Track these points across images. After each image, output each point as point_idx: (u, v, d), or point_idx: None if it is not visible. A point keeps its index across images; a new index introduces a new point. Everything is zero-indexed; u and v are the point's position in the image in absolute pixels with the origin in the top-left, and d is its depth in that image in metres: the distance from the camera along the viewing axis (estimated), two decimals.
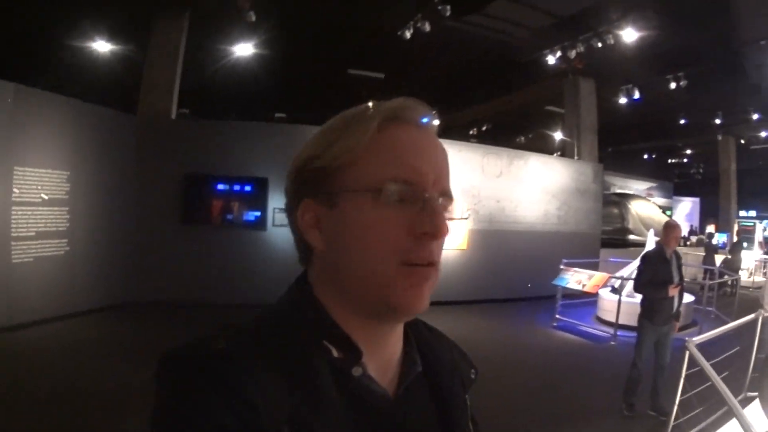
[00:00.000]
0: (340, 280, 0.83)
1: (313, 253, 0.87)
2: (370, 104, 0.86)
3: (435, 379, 0.94)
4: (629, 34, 10.99)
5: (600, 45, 11.40)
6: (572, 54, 11.95)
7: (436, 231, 0.80)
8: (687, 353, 4.14)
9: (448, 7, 9.85)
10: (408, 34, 10.94)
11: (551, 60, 12.53)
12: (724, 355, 5.32)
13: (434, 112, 0.90)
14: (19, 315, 7.80)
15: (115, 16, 11.25)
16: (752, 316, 5.59)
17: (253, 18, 10.08)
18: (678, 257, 5.96)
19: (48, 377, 6.01)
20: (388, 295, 0.80)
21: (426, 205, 0.81)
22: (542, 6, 10.67)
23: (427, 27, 10.61)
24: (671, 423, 4.47)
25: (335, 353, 0.80)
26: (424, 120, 0.87)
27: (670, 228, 5.90)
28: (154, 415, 0.69)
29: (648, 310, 5.78)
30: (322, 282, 0.86)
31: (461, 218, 10.51)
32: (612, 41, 11.21)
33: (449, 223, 0.84)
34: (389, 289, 0.80)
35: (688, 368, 4.26)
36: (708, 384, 3.71)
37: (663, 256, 5.81)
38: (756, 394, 4.39)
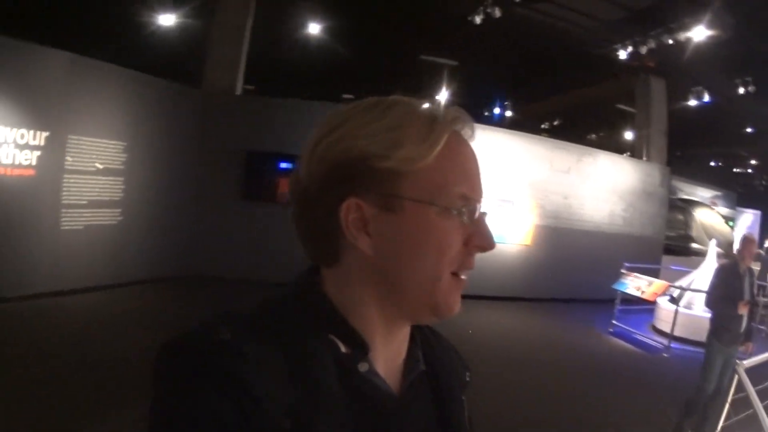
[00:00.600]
0: (390, 284, 0.81)
1: (344, 253, 0.83)
2: (432, 107, 0.84)
3: (436, 378, 0.94)
4: (700, 33, 10.69)
5: (671, 42, 11.16)
6: (643, 50, 11.71)
7: (489, 245, 0.84)
8: (736, 377, 3.97)
9: None
10: (478, 20, 10.74)
11: (622, 55, 12.26)
12: None
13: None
14: (65, 281, 7.95)
15: None
16: None
17: None
18: (752, 274, 5.70)
19: (85, 344, 6.13)
20: (440, 302, 0.82)
21: (480, 220, 0.84)
22: None
23: (498, 13, 10.43)
24: None
25: (342, 348, 0.80)
26: (471, 134, 0.87)
27: (747, 242, 5.69)
28: (153, 408, 0.68)
29: (717, 328, 5.47)
30: (348, 281, 0.83)
31: None
32: (683, 39, 10.96)
33: None
34: (443, 297, 0.82)
35: (735, 392, 4.11)
36: (751, 411, 3.59)
37: (737, 271, 5.56)
38: None
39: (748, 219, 28.62)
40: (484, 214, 0.85)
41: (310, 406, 0.70)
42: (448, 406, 0.93)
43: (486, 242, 0.83)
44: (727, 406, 4.22)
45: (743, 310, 5.39)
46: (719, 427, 4.28)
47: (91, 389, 4.97)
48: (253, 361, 0.68)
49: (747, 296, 5.47)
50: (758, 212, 28.80)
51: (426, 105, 0.84)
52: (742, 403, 3.94)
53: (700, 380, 5.39)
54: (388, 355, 0.86)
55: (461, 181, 0.81)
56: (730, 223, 22.68)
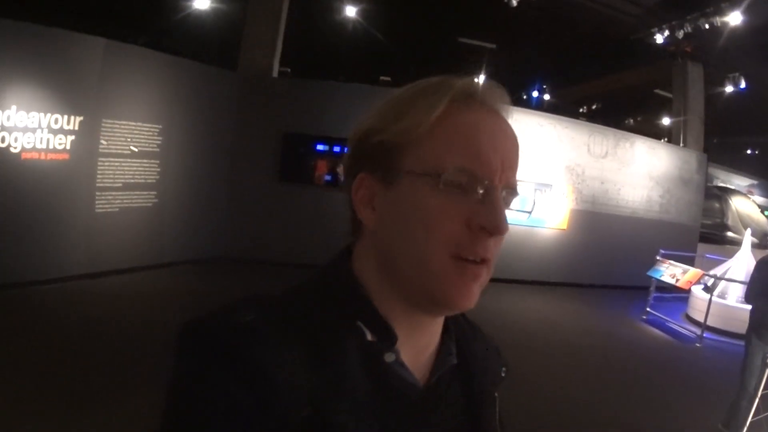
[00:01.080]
0: (388, 263, 0.80)
1: (362, 230, 0.84)
2: (444, 78, 0.80)
3: (468, 373, 0.91)
4: (736, 18, 10.58)
5: (707, 26, 11.05)
6: (680, 34, 11.61)
7: (494, 227, 0.74)
8: (767, 372, 3.81)
9: None
10: (515, 2, 10.66)
11: (659, 39, 12.14)
12: None
13: (509, 99, 0.83)
14: (100, 263, 8.12)
15: None
16: None
17: None
18: None
19: (119, 323, 6.29)
20: (434, 287, 0.76)
21: (486, 197, 0.75)
22: None
23: None
24: None
25: (369, 336, 0.77)
26: (499, 105, 0.80)
27: None
28: (169, 387, 0.67)
29: (757, 324, 5.01)
30: (368, 261, 0.83)
31: (523, 211, 10.45)
32: (719, 24, 10.84)
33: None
34: (437, 281, 0.76)
35: (766, 386, 3.97)
36: None
37: None
38: None
39: None
40: (497, 190, 0.76)
41: (332, 394, 0.69)
42: (478, 403, 0.90)
43: (490, 223, 0.74)
44: (756, 400, 4.10)
45: None
46: (748, 423, 4.19)
47: (126, 365, 5.12)
48: (274, 345, 0.67)
49: None
50: None
51: (452, 80, 0.80)
52: None
53: (740, 380, 4.93)
54: (417, 346, 0.83)
55: (465, 154, 0.75)
56: (767, 213, 22.33)
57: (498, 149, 0.76)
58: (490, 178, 0.75)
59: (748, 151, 27.83)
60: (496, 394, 0.96)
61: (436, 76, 0.82)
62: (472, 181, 0.74)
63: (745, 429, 4.29)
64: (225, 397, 0.63)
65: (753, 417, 4.21)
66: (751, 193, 23.29)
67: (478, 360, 0.94)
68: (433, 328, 0.86)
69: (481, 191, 0.75)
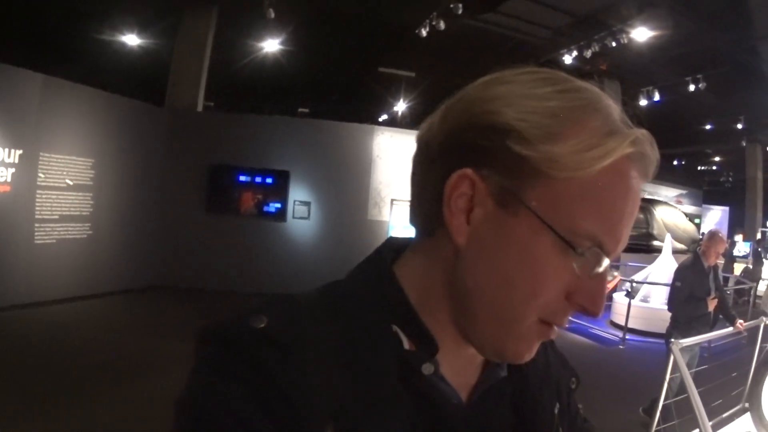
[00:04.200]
0: (460, 294, 0.67)
1: (441, 228, 0.67)
2: (616, 112, 0.67)
3: (521, 386, 0.79)
4: (642, 33, 10.91)
5: (614, 44, 11.31)
6: (588, 54, 11.86)
7: (594, 312, 0.65)
8: (671, 357, 3.88)
9: (460, 5, 9.86)
10: (424, 32, 10.96)
11: (568, 60, 12.42)
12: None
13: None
14: (39, 293, 8.17)
15: (143, 9, 11.55)
16: (752, 323, 5.06)
17: (272, 15, 10.25)
18: (716, 269, 5.45)
19: (58, 352, 6.31)
20: (506, 344, 0.67)
21: (599, 276, 0.64)
22: (556, 4, 10.69)
23: (442, 25, 10.61)
24: (653, 430, 4.22)
25: (406, 344, 0.67)
26: (646, 179, 0.67)
27: (715, 240, 5.35)
28: (181, 394, 0.60)
29: (682, 329, 5.04)
30: (424, 267, 0.70)
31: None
32: (626, 41, 11.16)
33: None
34: (512, 340, 0.66)
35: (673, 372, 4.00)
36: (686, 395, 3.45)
37: (701, 269, 5.29)
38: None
39: (716, 216, 28.90)
40: (607, 272, 0.65)
41: (360, 409, 0.60)
42: (529, 421, 0.79)
43: (593, 306, 0.64)
44: (665, 385, 4.13)
45: (713, 307, 5.21)
46: (659, 408, 4.22)
47: (62, 392, 5.18)
48: (292, 354, 0.59)
49: (713, 292, 5.24)
50: (726, 209, 29.12)
51: (612, 106, 0.67)
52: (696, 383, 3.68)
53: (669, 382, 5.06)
54: (461, 358, 0.72)
55: (600, 220, 0.62)
56: (697, 221, 22.95)
57: (628, 226, 0.65)
58: (609, 257, 0.64)
59: (675, 162, 28.52)
60: (555, 411, 0.83)
61: (596, 89, 0.68)
62: (595, 252, 0.63)
63: (658, 413, 4.37)
64: (229, 413, 0.56)
65: (664, 401, 4.31)
66: (680, 202, 23.92)
67: (536, 371, 0.82)
68: None
69: (597, 270, 0.64)
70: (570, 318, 0.67)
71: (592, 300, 0.64)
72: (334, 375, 0.60)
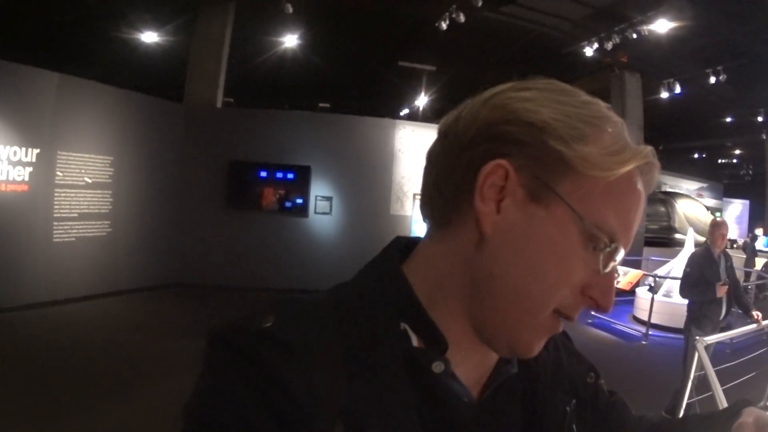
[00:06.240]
0: (481, 280, 0.67)
1: (459, 219, 0.69)
2: (624, 129, 0.70)
3: (530, 384, 0.80)
4: (662, 25, 10.80)
5: (635, 36, 11.22)
6: (609, 45, 11.77)
7: (605, 306, 0.68)
8: (696, 354, 3.90)
9: None
10: (444, 25, 10.90)
11: (589, 52, 12.37)
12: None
13: None
14: (58, 291, 8.23)
15: (160, 6, 11.56)
16: None
17: (290, 10, 10.21)
18: (727, 257, 5.58)
19: (77, 349, 6.35)
20: (519, 337, 0.68)
21: (609, 273, 0.67)
22: None
23: (462, 18, 10.56)
24: None
25: (415, 341, 0.67)
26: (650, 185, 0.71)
27: (716, 226, 5.57)
28: (188, 398, 0.60)
29: (696, 316, 5.33)
30: (448, 256, 0.70)
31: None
32: (646, 33, 11.06)
33: None
34: (527, 331, 0.68)
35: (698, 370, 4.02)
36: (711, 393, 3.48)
37: (710, 256, 5.46)
38: None
39: (736, 209, 28.67)
40: (616, 269, 0.69)
41: (368, 407, 0.61)
42: (539, 418, 0.79)
43: (604, 300, 0.67)
44: (690, 383, 4.19)
45: (722, 293, 5.28)
46: (684, 404, 4.30)
47: (80, 391, 5.18)
48: (299, 353, 0.59)
49: (724, 279, 5.34)
50: (746, 202, 28.84)
51: (620, 122, 0.70)
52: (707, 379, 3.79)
53: (683, 370, 5.11)
54: (472, 355, 0.72)
55: (618, 219, 0.66)
56: (718, 214, 22.80)
57: (634, 232, 0.70)
58: (620, 254, 0.68)
59: (695, 155, 28.32)
60: (568, 408, 0.82)
61: (602, 103, 0.72)
62: (614, 253, 0.66)
63: (682, 411, 4.40)
64: (236, 417, 0.56)
65: (688, 399, 4.32)
66: (701, 196, 23.74)
67: (547, 367, 0.83)
68: None
69: (612, 265, 0.67)
70: (593, 313, 0.67)
71: (604, 295, 0.67)
72: (342, 374, 0.60)
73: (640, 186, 0.69)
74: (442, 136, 0.72)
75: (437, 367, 0.66)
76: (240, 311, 0.62)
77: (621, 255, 0.67)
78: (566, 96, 0.68)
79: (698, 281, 5.41)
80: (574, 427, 0.82)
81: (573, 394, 0.84)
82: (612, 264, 0.66)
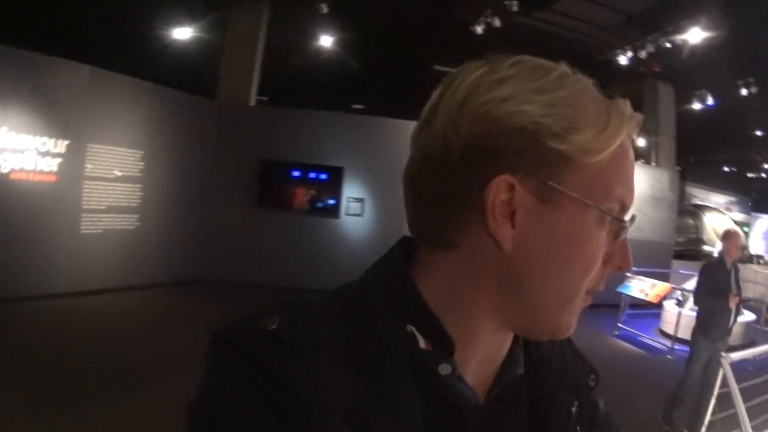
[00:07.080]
0: (512, 292, 0.67)
1: (466, 239, 0.67)
2: (598, 89, 0.70)
3: (537, 384, 0.79)
4: (695, 35, 10.72)
5: (669, 45, 11.19)
6: (642, 54, 11.73)
7: (627, 266, 0.70)
8: (721, 371, 3.82)
9: (515, 3, 9.87)
10: (479, 29, 10.87)
11: (623, 60, 12.29)
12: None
13: None
14: (82, 282, 8.32)
15: (194, 3, 11.63)
16: None
17: (326, 10, 10.24)
18: (736, 269, 5.67)
19: (99, 342, 6.40)
20: (561, 322, 0.69)
21: (624, 236, 0.69)
22: (610, 2, 10.62)
23: (497, 22, 10.55)
24: None
25: (422, 343, 0.66)
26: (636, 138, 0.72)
27: (731, 236, 5.67)
28: (194, 397, 0.59)
29: (704, 324, 5.50)
30: (462, 277, 0.68)
31: None
32: (680, 42, 11.01)
33: None
34: (566, 316, 0.69)
35: (722, 387, 3.94)
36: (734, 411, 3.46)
37: (723, 266, 5.56)
38: None
39: (764, 224, 28.32)
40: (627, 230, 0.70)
41: (374, 411, 0.60)
42: (546, 419, 0.78)
43: (626, 263, 0.69)
44: (713, 400, 4.15)
45: (734, 303, 5.41)
46: (706, 422, 4.26)
47: (95, 382, 5.27)
48: (303, 354, 0.59)
49: (734, 290, 5.46)
50: None
51: (586, 79, 0.70)
52: (728, 396, 3.73)
53: (684, 374, 5.54)
54: (480, 356, 0.71)
55: (621, 183, 0.67)
56: (746, 229, 22.55)
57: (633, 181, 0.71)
58: (630, 214, 0.70)
59: (725, 169, 27.96)
60: (573, 409, 0.82)
61: (567, 68, 0.70)
62: (622, 215, 0.68)
63: (704, 429, 4.39)
64: (240, 419, 0.55)
65: (711, 416, 4.29)
66: (730, 209, 23.49)
67: (552, 369, 0.82)
68: (502, 335, 0.73)
69: (622, 230, 0.68)
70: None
71: (624, 258, 0.69)
72: (346, 376, 0.60)
73: (628, 143, 0.69)
74: (422, 159, 0.69)
75: (444, 368, 0.65)
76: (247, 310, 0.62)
77: (630, 214, 0.69)
78: (541, 77, 0.65)
79: (711, 290, 5.53)
80: (578, 428, 0.82)
81: (577, 397, 0.84)
82: (625, 228, 0.68)
